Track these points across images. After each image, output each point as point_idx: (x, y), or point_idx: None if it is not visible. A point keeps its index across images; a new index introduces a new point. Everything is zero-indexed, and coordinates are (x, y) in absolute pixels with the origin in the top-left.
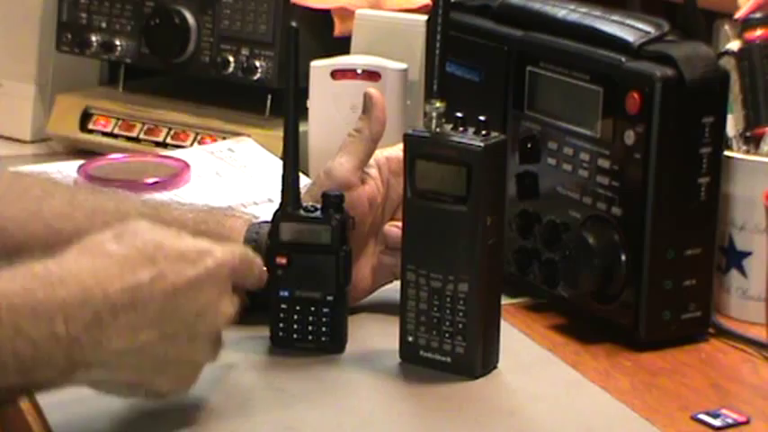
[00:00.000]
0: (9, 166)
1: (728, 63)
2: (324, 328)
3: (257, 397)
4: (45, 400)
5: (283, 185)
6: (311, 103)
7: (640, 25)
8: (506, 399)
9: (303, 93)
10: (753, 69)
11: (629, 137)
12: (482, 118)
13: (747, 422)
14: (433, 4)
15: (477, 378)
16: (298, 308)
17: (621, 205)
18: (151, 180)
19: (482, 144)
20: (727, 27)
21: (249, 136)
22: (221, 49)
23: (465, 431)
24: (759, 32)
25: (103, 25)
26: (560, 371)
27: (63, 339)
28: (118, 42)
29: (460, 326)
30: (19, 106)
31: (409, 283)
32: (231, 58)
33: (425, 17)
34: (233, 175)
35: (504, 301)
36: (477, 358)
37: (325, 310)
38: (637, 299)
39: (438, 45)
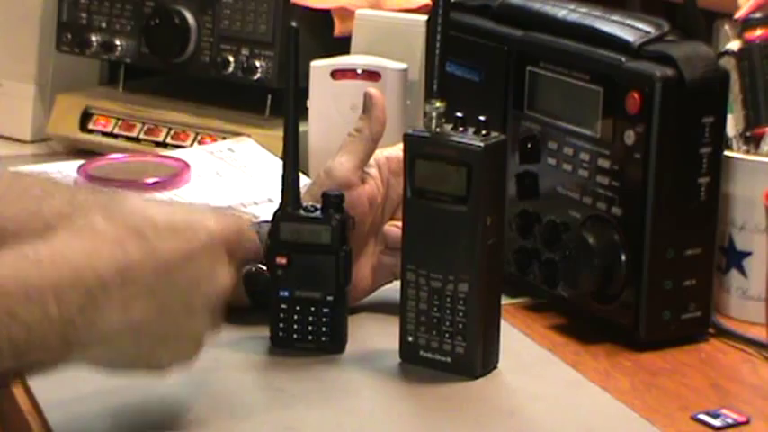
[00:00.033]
0: (9, 166)
1: (728, 63)
2: (324, 328)
3: (257, 397)
4: (45, 400)
5: (283, 185)
6: (311, 103)
7: (640, 25)
8: (506, 399)
9: (303, 93)
10: (753, 69)
11: (629, 137)
12: (482, 118)
13: (747, 422)
14: (433, 4)
15: (477, 378)
16: (298, 308)
17: (621, 205)
18: (151, 180)
19: (482, 144)
20: (727, 27)
21: (249, 136)
22: (221, 49)
23: (465, 431)
24: (759, 32)
25: (103, 25)
26: (560, 371)
27: (56, 321)
28: (118, 42)
29: (460, 326)
30: (19, 106)
31: (409, 283)
32: (231, 58)
33: (425, 17)
34: (233, 175)
35: (504, 301)
36: (477, 358)
37: (326, 310)
38: (637, 299)
39: (438, 45)
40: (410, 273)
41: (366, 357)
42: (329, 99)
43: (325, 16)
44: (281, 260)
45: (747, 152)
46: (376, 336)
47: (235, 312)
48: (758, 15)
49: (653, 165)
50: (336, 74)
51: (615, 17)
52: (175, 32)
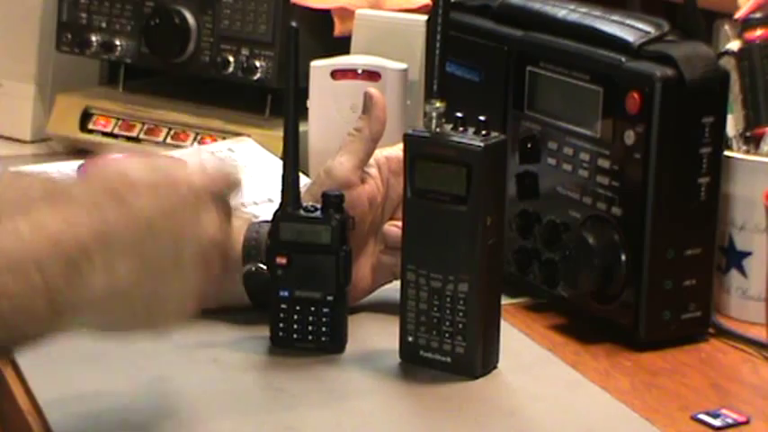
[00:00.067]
0: (9, 166)
1: (728, 63)
2: (324, 328)
3: (257, 397)
4: (45, 400)
5: (283, 185)
6: (311, 103)
7: (640, 25)
8: (506, 399)
9: (303, 93)
10: (753, 69)
11: (629, 137)
12: (482, 118)
13: (747, 422)
14: (433, 4)
15: (477, 378)
16: (298, 308)
17: (621, 205)
18: None
19: (482, 144)
20: (727, 27)
21: (249, 136)
22: (221, 49)
23: (465, 431)
24: (759, 32)
25: (103, 25)
26: (560, 371)
27: (41, 289)
28: (118, 42)
29: (460, 326)
30: (19, 106)
31: (409, 283)
32: (231, 58)
33: (425, 17)
34: None
35: (504, 301)
36: (477, 358)
37: (326, 310)
38: (637, 299)
39: (438, 45)
40: (410, 273)
41: (366, 357)
42: (329, 99)
43: (325, 16)
44: (281, 260)
45: (747, 152)
46: (376, 336)
47: (235, 312)
48: (758, 15)
49: (653, 165)
50: (336, 74)
51: (615, 17)
52: (175, 32)
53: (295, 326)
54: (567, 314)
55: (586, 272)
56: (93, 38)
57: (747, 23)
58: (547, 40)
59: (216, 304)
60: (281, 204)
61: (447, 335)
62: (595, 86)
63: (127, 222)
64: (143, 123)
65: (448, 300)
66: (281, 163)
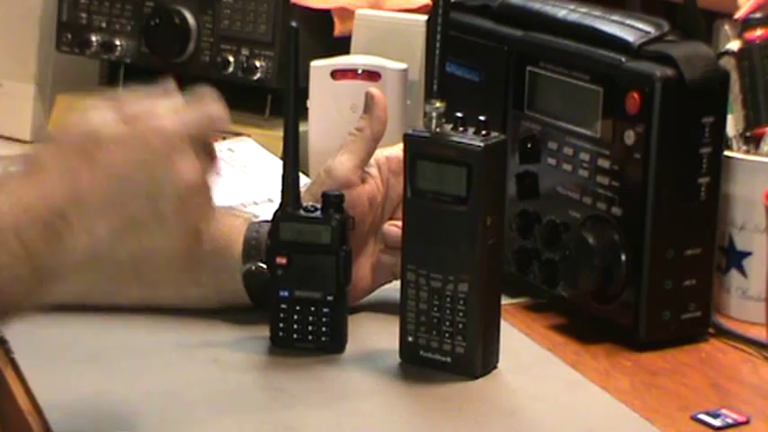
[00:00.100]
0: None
1: (728, 63)
2: (324, 328)
3: (257, 397)
4: (45, 400)
5: (283, 185)
6: (311, 103)
7: (640, 25)
8: (506, 399)
9: (303, 93)
10: (753, 69)
11: (629, 137)
12: (482, 118)
13: (747, 422)
14: (433, 4)
15: (477, 378)
16: (298, 308)
17: (621, 205)
18: None
19: (482, 144)
20: (727, 27)
21: (249, 136)
22: (221, 49)
23: (465, 431)
24: (759, 32)
25: (103, 25)
26: (560, 371)
27: (23, 257)
28: (118, 42)
29: (460, 326)
30: (19, 106)
31: (409, 283)
32: (231, 58)
33: (425, 17)
34: (233, 175)
35: (504, 301)
36: (477, 358)
37: (326, 310)
38: (637, 299)
39: (438, 45)
40: (410, 273)
41: (366, 357)
42: (329, 99)
43: (325, 16)
44: (281, 260)
45: (747, 152)
46: (376, 336)
47: (235, 312)
48: (758, 15)
49: (653, 165)
50: (336, 74)
51: (615, 17)
52: (175, 32)
53: (295, 326)
54: (567, 314)
55: (586, 272)
56: (93, 38)
57: (747, 23)
58: (547, 40)
59: (216, 304)
60: (281, 204)
61: (447, 335)
62: (595, 86)
63: (100, 181)
64: None
65: (448, 300)
66: (281, 163)
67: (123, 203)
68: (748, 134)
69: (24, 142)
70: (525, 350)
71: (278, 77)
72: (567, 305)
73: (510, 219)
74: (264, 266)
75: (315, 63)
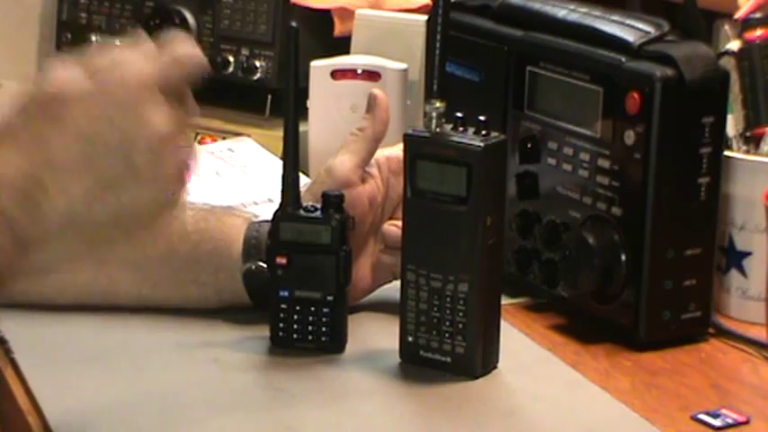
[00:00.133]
0: None
1: (728, 63)
2: (324, 328)
3: (257, 397)
4: (45, 400)
5: (283, 185)
6: (311, 103)
7: (640, 25)
8: (506, 399)
9: (303, 93)
10: (753, 69)
11: (629, 137)
12: (482, 118)
13: (747, 422)
14: (433, 4)
15: (477, 378)
16: (298, 308)
17: (621, 205)
18: None
19: (482, 144)
20: (727, 27)
21: (249, 136)
22: (221, 49)
23: (465, 431)
24: (759, 32)
25: (103, 25)
26: (560, 371)
27: (3, 227)
28: (118, 42)
29: (460, 326)
30: None
31: (409, 283)
32: (231, 58)
33: (425, 17)
34: (233, 175)
35: (504, 301)
36: (477, 358)
37: (326, 310)
38: (637, 299)
39: (438, 45)
40: (410, 273)
41: (366, 357)
42: (329, 99)
43: (325, 16)
44: (281, 260)
45: (747, 152)
46: (376, 336)
47: (235, 312)
48: (758, 15)
49: (653, 165)
50: (336, 74)
51: (615, 17)
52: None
53: (295, 326)
54: (567, 314)
55: (586, 272)
56: (93, 38)
57: (747, 23)
58: (547, 40)
59: (216, 303)
60: (281, 204)
61: (447, 335)
62: (595, 86)
63: (69, 142)
64: None
65: (448, 300)
66: (281, 163)
67: (96, 162)
68: (748, 134)
69: None
70: (525, 350)
71: (278, 77)
72: (567, 305)
73: (510, 219)
74: (264, 266)
75: (315, 63)
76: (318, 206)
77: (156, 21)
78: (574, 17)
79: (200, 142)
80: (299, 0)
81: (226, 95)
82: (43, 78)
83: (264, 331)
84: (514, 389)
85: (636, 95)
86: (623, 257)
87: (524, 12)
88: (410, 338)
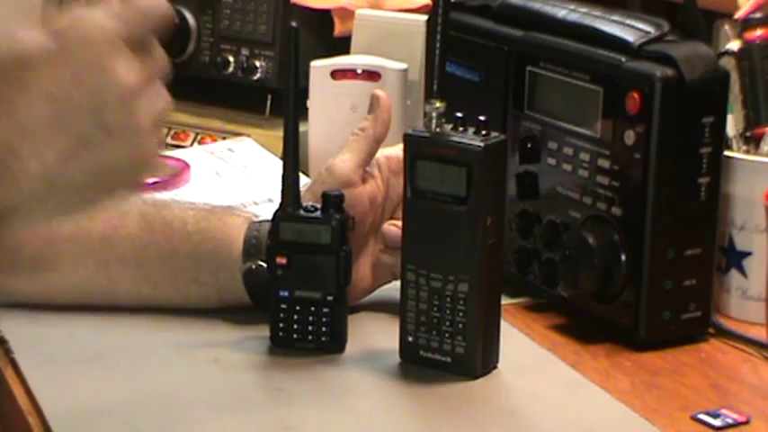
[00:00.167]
0: None
1: (728, 63)
2: (324, 328)
3: (257, 397)
4: (45, 400)
5: (283, 185)
6: (311, 103)
7: (640, 25)
8: (506, 399)
9: (303, 93)
10: (753, 69)
11: (629, 137)
12: (482, 118)
13: (747, 422)
14: (433, 4)
15: (477, 378)
16: (298, 308)
17: (621, 205)
18: (151, 180)
19: (482, 144)
20: (727, 27)
21: (249, 136)
22: (221, 49)
23: (465, 431)
24: (759, 32)
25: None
26: (560, 371)
27: None
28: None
29: (460, 326)
30: None
31: (409, 283)
32: (231, 58)
33: (425, 17)
34: (233, 175)
35: (504, 301)
36: (477, 358)
37: (326, 310)
38: (637, 299)
39: (438, 45)
40: (410, 273)
41: (366, 357)
42: (329, 99)
43: (325, 16)
44: (281, 260)
45: (747, 152)
46: (376, 336)
47: (235, 312)
48: (758, 15)
49: (653, 165)
50: (336, 74)
51: (615, 17)
52: (175, 32)
53: (295, 326)
54: (567, 314)
55: (586, 272)
56: None
57: (747, 23)
58: (547, 40)
59: (217, 303)
60: (281, 204)
61: (447, 335)
62: (595, 86)
63: (38, 106)
64: None
65: (448, 300)
66: (281, 163)
67: (67, 123)
68: (748, 134)
69: None
70: (525, 350)
71: (278, 77)
72: (567, 305)
73: (510, 219)
74: (265, 265)
75: (315, 63)
76: (318, 206)
77: None
78: (574, 17)
79: (200, 142)
80: (299, 0)
81: (226, 95)
82: (3, 40)
83: (264, 331)
84: (514, 389)
85: (636, 95)
86: (623, 257)
87: (524, 12)
88: (410, 338)
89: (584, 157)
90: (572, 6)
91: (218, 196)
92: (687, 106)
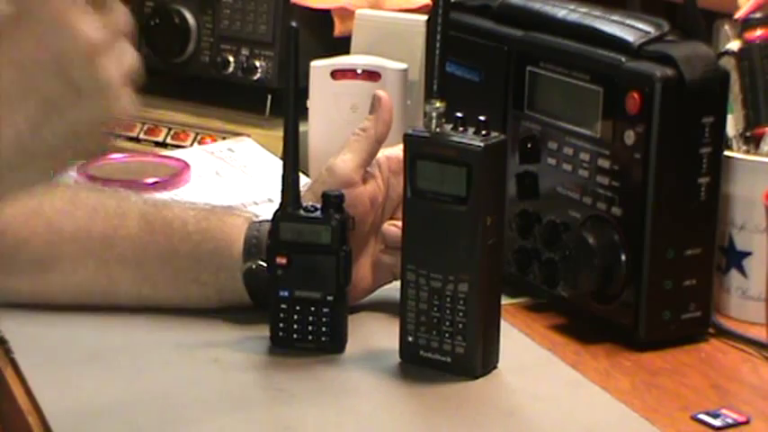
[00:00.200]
0: None
1: (728, 63)
2: (324, 328)
3: (257, 397)
4: (45, 400)
5: (283, 185)
6: (311, 103)
7: (640, 25)
8: (506, 399)
9: (303, 93)
10: (753, 69)
11: (629, 137)
12: (482, 118)
13: (747, 422)
14: (433, 4)
15: (477, 378)
16: (298, 308)
17: (621, 205)
18: (151, 180)
19: (482, 144)
20: (727, 27)
21: (249, 136)
22: (221, 49)
23: (465, 431)
24: (759, 32)
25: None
26: (560, 371)
27: None
28: None
29: (460, 326)
30: None
31: (409, 283)
32: (231, 58)
33: (425, 17)
34: (233, 175)
35: (504, 301)
36: (477, 358)
37: (325, 310)
38: (637, 299)
39: (438, 45)
40: (410, 273)
41: (366, 357)
42: (329, 99)
43: (325, 16)
44: (281, 260)
45: (747, 152)
46: (376, 336)
47: (235, 312)
48: (758, 15)
49: (653, 165)
50: (336, 74)
51: (615, 17)
52: (175, 32)
53: (295, 326)
54: (567, 314)
55: (586, 272)
56: None
57: (747, 23)
58: (547, 40)
59: (217, 303)
60: (281, 204)
61: (447, 335)
62: (595, 86)
63: (3, 74)
64: (143, 123)
65: (448, 300)
66: (281, 163)
67: (35, 86)
68: (748, 134)
69: None
70: (525, 350)
71: (278, 77)
72: (567, 305)
73: (510, 219)
74: (265, 265)
75: (315, 63)
76: (318, 206)
77: (156, 21)
78: (574, 17)
79: (200, 142)
80: (299, 0)
81: (226, 95)
82: None
83: (264, 331)
84: (514, 389)
85: (636, 95)
86: (623, 257)
87: (524, 12)
88: (410, 338)
89: (584, 157)
90: (572, 6)
91: (219, 196)
92: (687, 106)
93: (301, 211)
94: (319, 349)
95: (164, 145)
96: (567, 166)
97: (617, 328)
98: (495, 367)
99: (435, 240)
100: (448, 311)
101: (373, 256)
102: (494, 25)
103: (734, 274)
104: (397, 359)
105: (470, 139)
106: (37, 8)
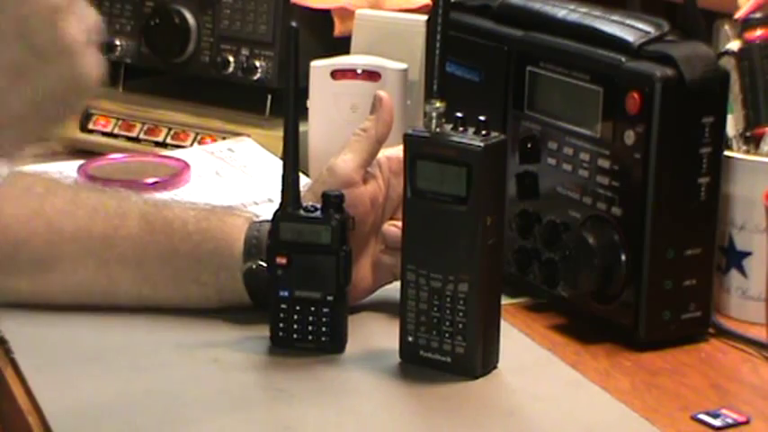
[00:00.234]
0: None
1: (728, 63)
2: (324, 328)
3: (257, 397)
4: (45, 400)
5: (283, 185)
6: (311, 103)
7: (640, 25)
8: (506, 399)
9: (303, 93)
10: (753, 69)
11: (629, 137)
12: (482, 118)
13: (747, 422)
14: (433, 4)
15: (477, 378)
16: (298, 308)
17: (621, 205)
18: (151, 180)
19: (482, 144)
20: (727, 27)
21: (249, 136)
22: (221, 49)
23: (465, 431)
24: (759, 32)
25: (103, 25)
26: (560, 371)
27: None
28: (118, 42)
29: (460, 326)
30: None
31: (409, 283)
32: (231, 58)
33: (425, 17)
34: (233, 175)
35: (504, 301)
36: (477, 358)
37: (325, 310)
38: (637, 299)
39: (438, 45)
40: (410, 273)
41: (366, 357)
42: (329, 99)
43: (325, 16)
44: (281, 260)
45: (747, 152)
46: (376, 336)
47: (235, 312)
48: (758, 15)
49: (653, 165)
50: (336, 74)
51: (615, 17)
52: (175, 32)
53: (295, 326)
54: (567, 314)
55: (586, 272)
56: None
57: (747, 23)
58: (547, 40)
59: (217, 303)
60: (281, 204)
61: (447, 335)
62: (595, 86)
63: None
64: (143, 123)
65: (448, 300)
66: (281, 163)
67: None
68: (748, 134)
69: None
70: (525, 350)
71: (278, 77)
72: (567, 305)
73: (510, 219)
74: (265, 265)
75: (315, 63)
76: (318, 206)
77: (156, 21)
78: (574, 17)
79: (200, 142)
80: (299, 0)
81: (226, 95)
82: None
83: (264, 331)
84: (514, 389)
85: (636, 95)
86: (623, 257)
87: (524, 12)
88: (410, 338)
89: (584, 157)
90: (572, 6)
91: (218, 196)
92: (687, 106)
93: (301, 211)
94: (319, 349)
95: (164, 145)
96: (567, 166)
97: (617, 328)
98: (495, 367)
99: (435, 240)
100: (448, 311)
101: (373, 256)
102: (494, 25)
103: (734, 274)
104: (397, 359)
105: (470, 139)
106: None
